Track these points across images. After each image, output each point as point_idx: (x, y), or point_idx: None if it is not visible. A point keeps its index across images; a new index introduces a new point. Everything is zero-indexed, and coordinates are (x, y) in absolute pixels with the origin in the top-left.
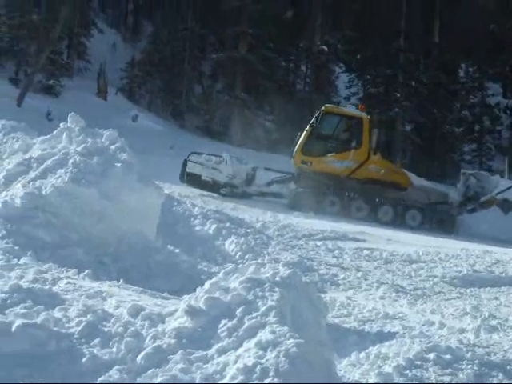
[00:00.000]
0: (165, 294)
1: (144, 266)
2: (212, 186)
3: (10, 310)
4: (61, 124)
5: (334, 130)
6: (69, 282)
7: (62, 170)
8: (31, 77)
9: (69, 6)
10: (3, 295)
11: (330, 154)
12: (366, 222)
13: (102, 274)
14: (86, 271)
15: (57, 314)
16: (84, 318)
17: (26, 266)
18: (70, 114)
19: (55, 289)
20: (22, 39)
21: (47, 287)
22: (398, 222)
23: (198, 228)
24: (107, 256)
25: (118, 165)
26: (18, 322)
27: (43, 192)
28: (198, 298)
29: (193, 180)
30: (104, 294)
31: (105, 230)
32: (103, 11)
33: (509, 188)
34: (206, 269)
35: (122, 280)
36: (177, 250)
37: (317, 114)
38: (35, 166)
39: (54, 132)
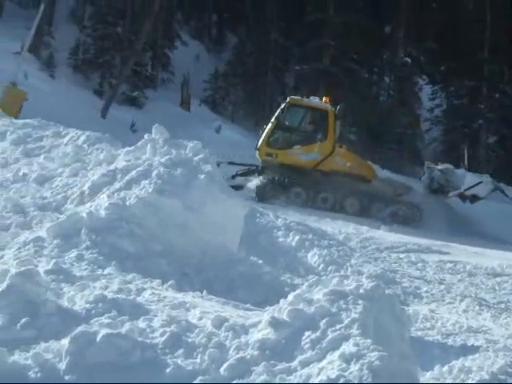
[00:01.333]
0: (248, 306)
1: (227, 278)
2: None
3: (95, 319)
4: (145, 135)
5: (300, 122)
6: (153, 293)
7: (146, 181)
8: (116, 88)
9: (153, 18)
10: (88, 305)
11: (295, 146)
12: (445, 234)
13: (185, 285)
14: (170, 282)
15: (141, 324)
16: (168, 329)
17: (110, 276)
18: (154, 126)
19: (139, 299)
20: (107, 51)
21: (131, 297)
22: (364, 214)
23: (280, 239)
24: (190, 267)
25: (202, 176)
26: (103, 331)
27: (127, 203)
28: (282, 309)
29: None
30: (188, 305)
31: (188, 241)
32: (187, 23)
33: (477, 184)
34: (288, 280)
35: (205, 291)
36: (260, 262)
37: (282, 106)
38: (120, 176)
39: (139, 143)
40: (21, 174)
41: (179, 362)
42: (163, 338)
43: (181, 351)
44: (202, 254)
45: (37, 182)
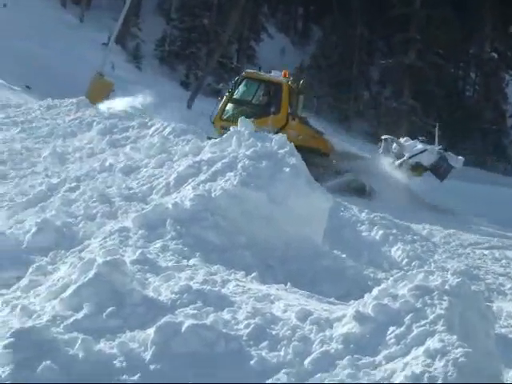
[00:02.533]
0: (332, 299)
1: (310, 271)
2: None
3: (180, 310)
4: (231, 127)
5: (254, 95)
6: (237, 285)
7: (232, 173)
8: (201, 80)
9: (239, 11)
10: (174, 296)
11: (248, 120)
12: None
13: (269, 277)
14: (253, 274)
15: (226, 315)
16: (252, 321)
17: (195, 267)
18: (240, 118)
19: (224, 291)
20: (193, 43)
21: (216, 289)
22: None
23: (364, 234)
24: (274, 259)
25: (287, 169)
26: (188, 322)
27: (212, 194)
28: (367, 304)
29: None
30: (272, 298)
31: (272, 233)
32: (273, 16)
33: (421, 152)
34: (372, 275)
35: (289, 284)
36: (343, 256)
37: (236, 79)
38: (205, 168)
39: (224, 135)
40: (107, 164)
41: (263, 354)
42: (247, 330)
43: (265, 343)
44: (285, 247)
45: (123, 173)
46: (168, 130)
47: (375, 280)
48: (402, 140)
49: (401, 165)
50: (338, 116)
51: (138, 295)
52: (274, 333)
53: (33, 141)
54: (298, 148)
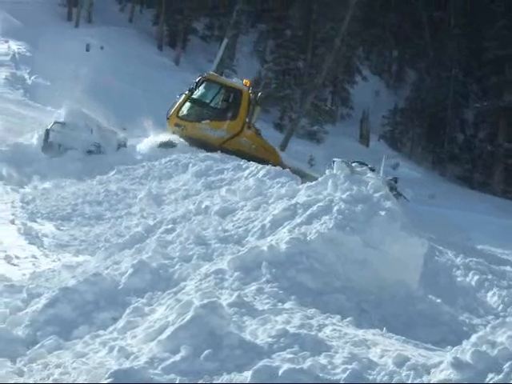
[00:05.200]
0: (428, 345)
1: (405, 315)
2: (75, 154)
3: (277, 354)
4: (326, 171)
5: (213, 98)
6: (334, 329)
7: (327, 217)
8: (295, 122)
9: (334, 53)
10: (270, 339)
11: (204, 121)
12: None
13: (364, 322)
14: (349, 318)
15: (323, 360)
16: (349, 366)
17: (291, 310)
18: (335, 162)
19: (321, 335)
20: (288, 85)
21: (313, 333)
22: None
23: (459, 279)
24: (369, 303)
25: (382, 213)
26: (285, 366)
27: (308, 238)
28: (465, 350)
29: (54, 149)
30: (368, 343)
31: (367, 277)
32: (367, 58)
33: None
34: (467, 320)
35: (384, 328)
36: (438, 300)
37: (197, 80)
38: (301, 211)
39: (319, 178)
40: (203, 206)
41: None
42: (344, 375)
43: None
44: (380, 291)
45: (219, 215)
46: (263, 172)
47: (470, 326)
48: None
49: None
50: (431, 159)
51: (235, 338)
52: (370, 378)
53: (128, 182)
54: (249, 157)
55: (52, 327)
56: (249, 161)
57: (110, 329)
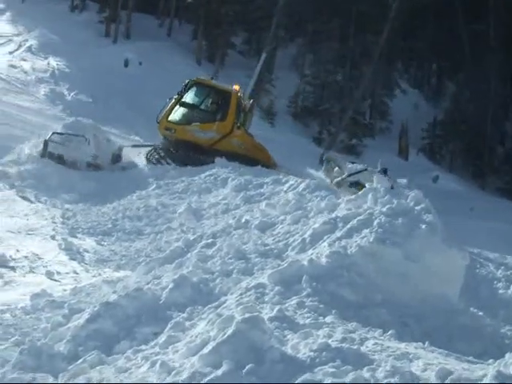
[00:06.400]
0: (470, 358)
1: (446, 328)
2: (75, 166)
3: (319, 368)
4: (366, 184)
5: (202, 101)
6: (376, 343)
7: (367, 230)
8: (334, 136)
9: (372, 67)
10: (312, 353)
11: (193, 123)
12: None
13: (405, 335)
14: (390, 331)
15: (365, 374)
16: (392, 380)
17: (332, 324)
18: (375, 175)
19: (363, 349)
20: (327, 99)
21: (355, 347)
22: None
23: (501, 291)
24: (410, 317)
25: (423, 226)
26: (327, 380)
27: (348, 251)
28: (508, 364)
29: (55, 160)
30: (411, 356)
31: (408, 290)
32: (406, 71)
33: (361, 171)
34: (509, 333)
35: (427, 342)
36: (480, 313)
37: (186, 83)
38: (341, 225)
39: (360, 192)
40: (243, 220)
41: None
42: None
43: None
44: (421, 304)
45: (259, 229)
46: (302, 186)
47: None
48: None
49: (339, 183)
50: (471, 172)
51: (277, 352)
52: None
53: (168, 197)
54: (239, 156)
55: (94, 342)
56: (240, 160)
57: (152, 343)
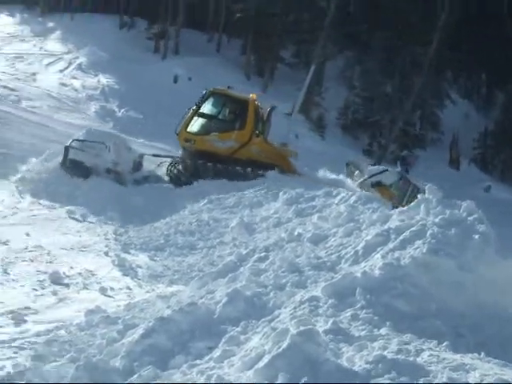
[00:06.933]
0: None
1: (502, 338)
2: (96, 172)
3: (375, 380)
4: (418, 195)
5: (220, 110)
6: (431, 354)
7: (420, 241)
8: (385, 148)
9: (422, 78)
10: (368, 365)
11: (212, 133)
12: None
13: (460, 346)
14: (445, 342)
15: None
16: None
17: (387, 336)
18: (427, 186)
19: (418, 360)
20: (376, 110)
21: (411, 358)
22: None
23: None
24: (465, 327)
25: (476, 236)
26: None
27: (402, 262)
28: None
29: (75, 167)
30: (467, 367)
31: (462, 301)
32: (456, 82)
33: (382, 172)
34: None
35: (482, 353)
36: None
37: (203, 94)
38: (393, 236)
39: (412, 203)
40: (295, 233)
41: None
42: None
43: None
44: (476, 314)
45: (311, 242)
46: (354, 198)
47: None
48: (364, 165)
49: (361, 184)
50: None
51: (333, 365)
52: None
53: (220, 211)
54: (258, 163)
55: (149, 357)
56: (260, 167)
57: (207, 358)
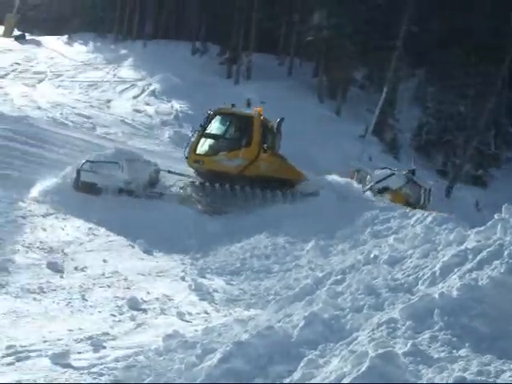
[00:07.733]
0: None
1: None
2: (108, 192)
3: None
4: (495, 215)
5: (226, 129)
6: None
7: (498, 261)
8: (459, 167)
9: (495, 97)
10: None
11: (220, 153)
12: None
13: None
14: None
15: None
16: None
17: (467, 357)
18: (504, 205)
19: (499, 381)
20: (450, 130)
21: (491, 380)
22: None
23: None
24: None
25: None
26: None
27: (479, 283)
28: None
29: (88, 188)
30: None
31: None
32: None
33: (388, 176)
34: None
35: None
36: None
37: (208, 115)
38: (471, 257)
39: (489, 223)
40: (372, 255)
41: None
42: None
43: None
44: None
45: (388, 264)
46: (429, 219)
47: None
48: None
49: (369, 190)
50: None
51: None
52: None
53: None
54: (268, 178)
55: (227, 381)
56: (270, 183)
57: (286, 381)
